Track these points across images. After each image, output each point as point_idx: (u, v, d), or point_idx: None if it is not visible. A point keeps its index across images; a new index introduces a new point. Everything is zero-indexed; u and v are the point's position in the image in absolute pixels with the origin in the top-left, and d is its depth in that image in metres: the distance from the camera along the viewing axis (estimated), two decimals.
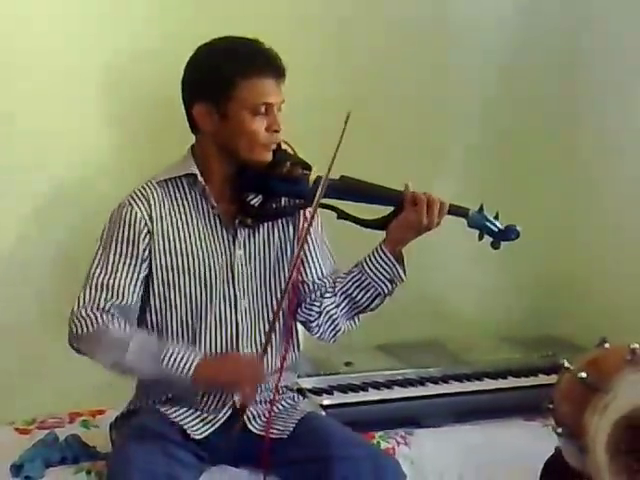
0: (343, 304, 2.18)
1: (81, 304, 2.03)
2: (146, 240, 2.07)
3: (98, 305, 2.03)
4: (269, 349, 2.06)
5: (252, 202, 2.12)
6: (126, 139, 2.51)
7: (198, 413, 2.08)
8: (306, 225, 2.03)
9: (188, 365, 1.97)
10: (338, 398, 2.38)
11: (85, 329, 2.01)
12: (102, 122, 2.49)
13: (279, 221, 2.15)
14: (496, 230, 2.08)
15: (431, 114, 2.78)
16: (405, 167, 2.59)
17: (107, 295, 2.03)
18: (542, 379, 2.51)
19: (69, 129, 2.44)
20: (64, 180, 2.47)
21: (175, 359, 1.97)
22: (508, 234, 2.09)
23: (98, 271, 2.05)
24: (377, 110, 2.65)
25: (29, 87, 2.40)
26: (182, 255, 2.08)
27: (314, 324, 2.19)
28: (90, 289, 2.04)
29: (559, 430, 1.68)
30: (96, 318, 2.01)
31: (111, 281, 2.04)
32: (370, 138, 2.52)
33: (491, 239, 2.09)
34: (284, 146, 2.12)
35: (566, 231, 2.84)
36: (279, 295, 2.12)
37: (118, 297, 2.04)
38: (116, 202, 2.12)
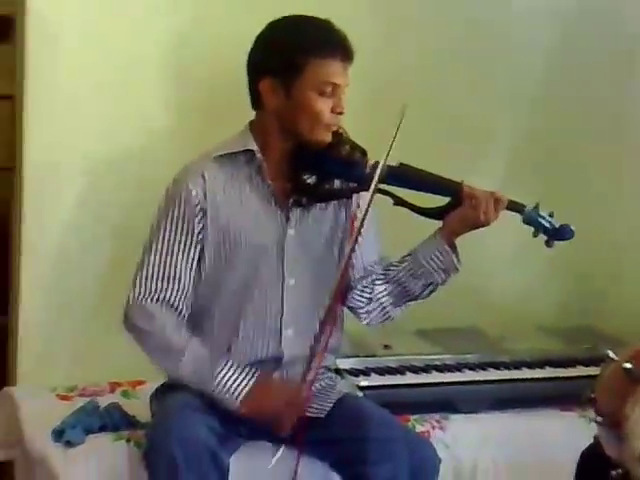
0: (395, 292, 2.18)
1: (138, 292, 2.06)
2: (200, 218, 2.07)
3: (157, 296, 2.05)
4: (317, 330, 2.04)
5: (307, 182, 2.12)
6: (183, 121, 2.54)
7: None
8: (364, 207, 2.01)
9: (236, 395, 2.00)
10: (375, 380, 2.39)
11: (144, 326, 2.05)
12: (160, 105, 2.52)
13: (332, 204, 2.15)
14: (551, 229, 2.09)
15: (481, 99, 2.78)
16: (456, 153, 2.62)
17: (165, 283, 2.05)
18: (581, 370, 2.51)
19: (130, 112, 2.48)
20: (122, 160, 2.51)
21: (226, 385, 2.00)
22: (563, 233, 2.10)
23: (154, 254, 2.07)
24: (428, 96, 2.66)
25: (95, 74, 2.45)
26: (234, 231, 2.09)
27: (363, 310, 2.20)
28: (147, 275, 2.06)
29: (599, 419, 1.69)
30: (154, 313, 2.04)
31: (168, 266, 2.05)
32: (421, 124, 2.52)
33: (545, 237, 2.10)
34: (341, 130, 2.11)
35: (610, 223, 2.84)
36: (326, 278, 2.12)
37: (176, 283, 2.06)
38: (172, 170, 2.12)
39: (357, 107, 2.22)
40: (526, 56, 2.82)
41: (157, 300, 2.05)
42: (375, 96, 2.58)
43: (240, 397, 2.01)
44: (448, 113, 2.71)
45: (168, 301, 2.06)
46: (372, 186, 1.99)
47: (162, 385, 2.19)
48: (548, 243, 2.11)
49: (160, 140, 2.52)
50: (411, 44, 2.67)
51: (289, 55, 2.03)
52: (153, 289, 2.05)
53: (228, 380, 2.01)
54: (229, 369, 2.03)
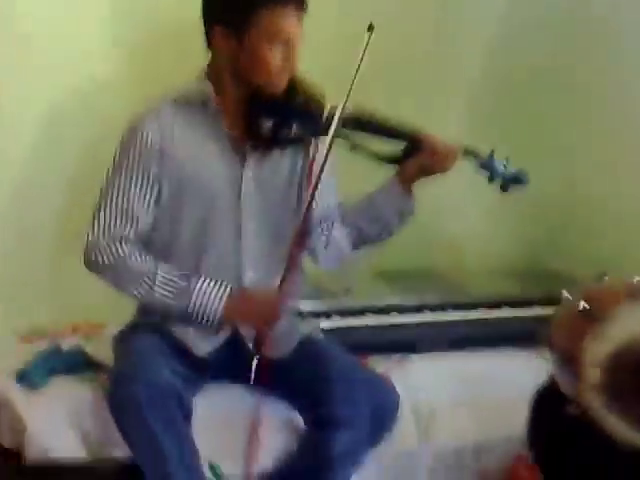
0: (351, 235, 2.20)
1: (97, 232, 2.06)
2: (157, 160, 2.07)
3: (116, 234, 2.06)
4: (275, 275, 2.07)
5: (264, 128, 2.11)
6: (136, 60, 2.50)
7: (200, 331, 2.10)
8: (324, 152, 2.02)
9: (217, 303, 2.02)
10: (336, 322, 2.42)
11: (106, 261, 2.05)
12: (112, 42, 2.48)
13: (289, 149, 2.15)
14: (506, 174, 2.12)
15: (435, 50, 2.78)
16: (411, 102, 2.59)
17: (123, 221, 2.06)
18: (538, 310, 2.55)
19: (79, 49, 2.44)
20: (70, 99, 2.47)
21: (205, 295, 2.02)
22: (517, 179, 2.12)
23: (111, 196, 2.07)
24: (384, 47, 2.64)
25: (45, 10, 2.40)
26: (191, 176, 2.09)
27: (320, 253, 2.21)
28: (105, 215, 2.06)
29: (555, 358, 1.74)
30: (116, 250, 2.05)
31: (125, 206, 2.06)
32: (376, 74, 2.51)
33: (501, 182, 2.13)
34: (301, 77, 2.10)
35: (567, 168, 2.85)
36: (285, 221, 2.14)
37: (134, 223, 2.07)
38: (126, 114, 2.11)
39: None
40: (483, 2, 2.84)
41: (114, 238, 2.06)
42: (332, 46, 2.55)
43: (222, 304, 2.03)
44: (403, 60, 2.70)
45: (126, 237, 2.07)
46: (331, 131, 1.99)
47: (125, 328, 2.20)
48: (503, 188, 2.13)
49: (112, 86, 2.48)
50: None
51: (239, 5, 2.01)
52: (111, 227, 2.06)
53: (206, 292, 2.03)
54: (204, 282, 2.05)
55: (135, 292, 2.06)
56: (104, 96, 2.48)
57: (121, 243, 2.05)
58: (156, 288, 2.04)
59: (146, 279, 2.04)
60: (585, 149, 2.82)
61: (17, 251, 2.49)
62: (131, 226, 2.07)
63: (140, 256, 2.06)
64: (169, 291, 2.04)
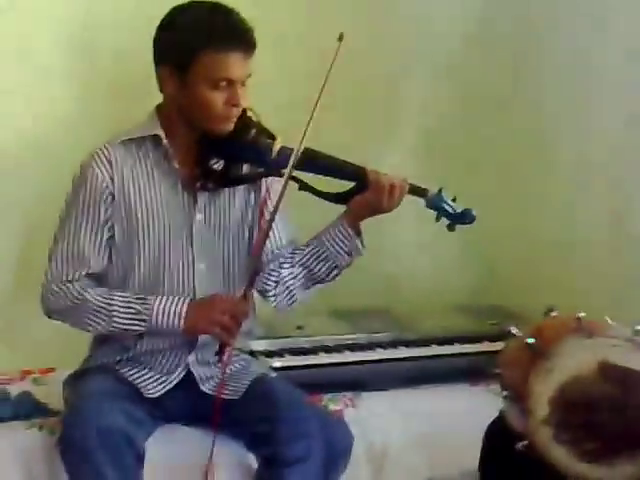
0: (300, 275, 2.19)
1: (51, 277, 2.07)
2: (108, 202, 2.07)
3: (67, 277, 2.06)
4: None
5: (214, 167, 2.12)
6: (87, 94, 2.51)
7: (152, 373, 2.11)
8: (278, 192, 2.02)
9: (178, 315, 2.02)
10: (289, 361, 2.42)
11: (62, 302, 2.06)
12: (62, 76, 2.50)
13: (240, 188, 2.15)
14: (453, 213, 2.11)
15: (384, 88, 2.82)
16: (360, 138, 2.63)
17: (75, 265, 2.06)
18: (488, 346, 2.57)
19: (27, 84, 2.45)
20: (23, 136, 2.48)
21: (165, 311, 2.02)
22: (464, 218, 2.11)
23: (63, 241, 2.07)
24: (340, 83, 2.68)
25: None
26: (142, 217, 2.09)
27: (271, 293, 2.21)
28: (57, 261, 2.07)
29: (504, 393, 1.75)
30: (69, 290, 2.05)
31: (76, 250, 2.06)
32: (330, 111, 2.54)
33: (448, 222, 2.12)
34: (250, 113, 2.10)
35: (513, 200, 2.89)
36: (236, 261, 2.14)
37: (86, 266, 2.07)
38: (78, 156, 2.10)
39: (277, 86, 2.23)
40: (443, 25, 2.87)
41: (67, 281, 2.07)
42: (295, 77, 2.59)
43: (182, 315, 2.02)
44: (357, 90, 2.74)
45: (78, 281, 2.07)
46: (287, 172, 2.00)
47: (75, 372, 2.18)
48: (450, 227, 2.13)
49: (64, 126, 2.49)
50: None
51: (181, 46, 2.00)
52: (64, 272, 2.06)
53: (165, 307, 2.03)
54: (161, 300, 2.05)
55: (95, 324, 2.05)
56: (57, 137, 2.48)
57: (72, 283, 2.06)
58: (114, 315, 2.04)
59: (103, 309, 2.04)
60: (539, 191, 2.85)
61: None
62: (82, 269, 2.07)
63: (93, 289, 2.06)
64: (128, 316, 2.04)
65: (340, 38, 1.96)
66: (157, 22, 2.06)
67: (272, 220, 2.03)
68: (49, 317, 2.11)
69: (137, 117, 2.15)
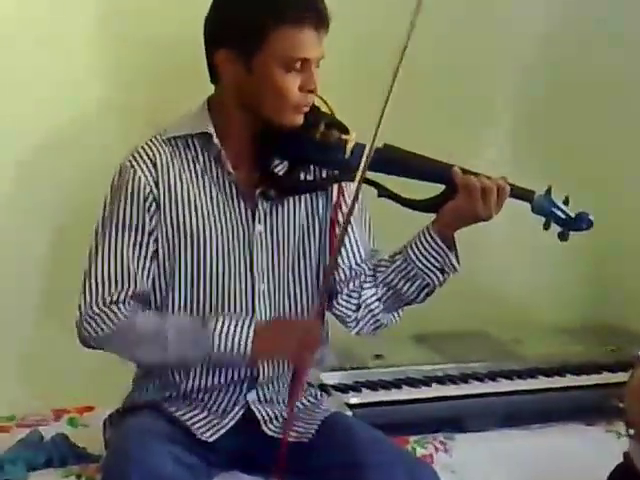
0: (386, 296, 2.13)
1: (89, 299, 2.02)
2: (152, 210, 2.03)
3: (111, 299, 2.01)
4: None
5: (277, 170, 2.06)
6: (125, 91, 2.51)
7: (206, 413, 2.06)
8: (349, 202, 1.97)
9: (243, 344, 1.97)
10: (367, 396, 2.38)
11: (106, 329, 2.00)
12: (95, 70, 2.50)
13: (306, 194, 2.10)
14: (565, 218, 2.04)
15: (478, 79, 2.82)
16: (450, 135, 2.62)
17: (119, 284, 2.01)
18: (605, 377, 2.51)
19: (60, 80, 2.46)
20: (54, 135, 2.49)
21: (228, 338, 1.97)
22: (580, 223, 2.04)
23: (103, 256, 2.02)
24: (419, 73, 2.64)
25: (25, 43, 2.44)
26: (192, 230, 2.03)
27: (351, 318, 2.15)
28: (97, 280, 2.02)
29: (630, 432, 1.68)
30: (114, 313, 2.00)
31: (120, 266, 2.01)
32: (411, 103, 2.49)
33: (559, 228, 2.04)
34: (318, 103, 2.05)
35: (630, 213, 2.85)
36: (302, 281, 2.10)
37: (130, 285, 2.02)
38: (115, 154, 2.07)
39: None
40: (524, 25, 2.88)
41: (111, 302, 2.01)
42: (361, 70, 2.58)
43: (249, 339, 1.97)
44: (441, 87, 2.73)
45: (123, 302, 2.01)
46: (358, 176, 1.92)
47: (117, 410, 2.14)
48: (562, 235, 2.04)
49: (98, 114, 2.48)
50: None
51: (248, 23, 1.96)
52: (105, 292, 2.01)
53: (228, 330, 1.97)
54: (223, 323, 1.99)
55: (145, 354, 2.01)
56: (93, 129, 2.48)
57: (118, 305, 2.00)
58: (168, 343, 1.98)
59: (155, 335, 1.99)
60: None
61: None
62: (128, 287, 2.02)
63: (144, 314, 2.01)
64: (185, 344, 1.99)
65: (393, 78, 1.89)
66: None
67: (346, 229, 1.98)
68: (86, 346, 2.05)
69: (178, 108, 2.10)
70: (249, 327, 1.97)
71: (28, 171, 2.47)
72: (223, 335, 1.97)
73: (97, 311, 2.00)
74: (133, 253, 2.02)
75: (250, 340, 1.96)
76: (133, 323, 1.99)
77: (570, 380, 2.51)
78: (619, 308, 2.86)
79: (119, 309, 2.00)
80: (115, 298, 2.00)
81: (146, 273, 2.03)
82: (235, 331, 1.97)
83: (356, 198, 1.95)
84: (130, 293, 2.01)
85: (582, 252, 2.79)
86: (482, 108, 2.85)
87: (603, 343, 2.67)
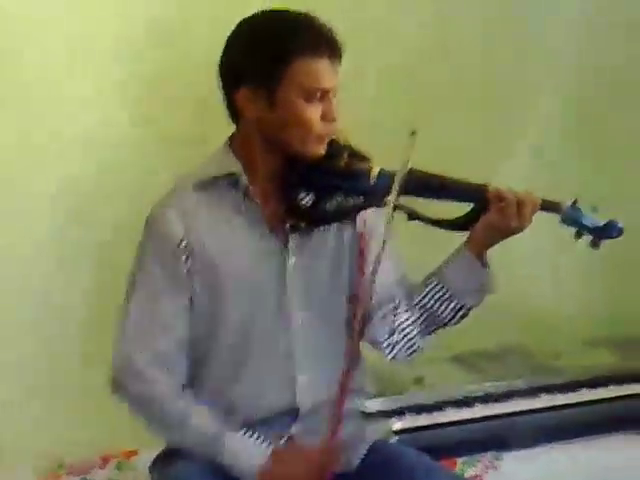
0: (421, 319, 2.10)
1: (125, 347, 2.00)
2: (185, 257, 2.00)
3: (148, 348, 1.99)
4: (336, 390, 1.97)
5: (304, 202, 2.04)
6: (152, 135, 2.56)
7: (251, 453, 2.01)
8: (370, 229, 1.97)
9: (252, 466, 1.96)
10: (410, 421, 2.37)
11: (136, 387, 1.99)
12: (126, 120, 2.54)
13: (335, 223, 2.08)
14: (595, 227, 2.01)
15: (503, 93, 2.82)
16: (475, 155, 2.59)
17: (154, 334, 1.99)
18: None
19: (89, 128, 2.50)
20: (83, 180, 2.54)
21: (237, 456, 1.96)
22: (610, 231, 2.00)
23: (138, 304, 2.01)
24: (443, 91, 2.67)
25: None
26: (226, 270, 2.01)
27: (386, 344, 2.11)
28: (133, 327, 2.00)
29: None
30: (148, 374, 1.99)
31: (155, 315, 2.00)
32: (434, 123, 2.50)
33: (590, 237, 2.01)
34: (337, 135, 2.03)
35: None
36: (336, 310, 2.07)
37: (167, 333, 1.99)
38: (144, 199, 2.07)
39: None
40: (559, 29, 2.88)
41: (149, 354, 1.98)
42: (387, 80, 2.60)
43: (254, 469, 1.95)
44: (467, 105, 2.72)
45: (163, 355, 1.99)
46: (392, 199, 1.91)
47: (163, 453, 2.10)
48: (594, 244, 2.01)
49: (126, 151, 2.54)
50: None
51: (268, 58, 1.95)
52: (142, 341, 1.98)
53: (238, 452, 1.96)
54: (238, 440, 1.97)
55: (162, 433, 2.01)
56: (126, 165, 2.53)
57: (156, 365, 1.98)
58: (187, 437, 1.98)
59: (177, 425, 1.98)
60: None
61: (32, 383, 2.50)
62: (165, 338, 1.99)
63: (177, 392, 1.99)
64: (200, 443, 1.97)
65: (413, 133, 1.90)
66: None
67: (379, 259, 1.94)
68: (114, 393, 2.02)
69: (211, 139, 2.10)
70: (263, 452, 1.97)
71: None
72: (233, 454, 1.97)
73: (136, 363, 1.99)
74: (170, 300, 2.00)
75: (259, 464, 1.95)
76: (163, 399, 1.99)
77: (613, 390, 2.49)
78: None
79: (157, 370, 1.99)
80: (154, 349, 1.99)
81: (185, 321, 2.01)
82: (243, 456, 1.96)
83: (389, 225, 1.92)
84: (170, 344, 1.99)
85: (613, 264, 2.77)
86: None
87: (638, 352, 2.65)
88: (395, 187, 1.93)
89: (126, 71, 2.57)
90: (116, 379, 2.00)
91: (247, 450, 1.97)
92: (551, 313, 2.86)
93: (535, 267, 2.86)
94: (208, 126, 2.16)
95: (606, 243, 2.03)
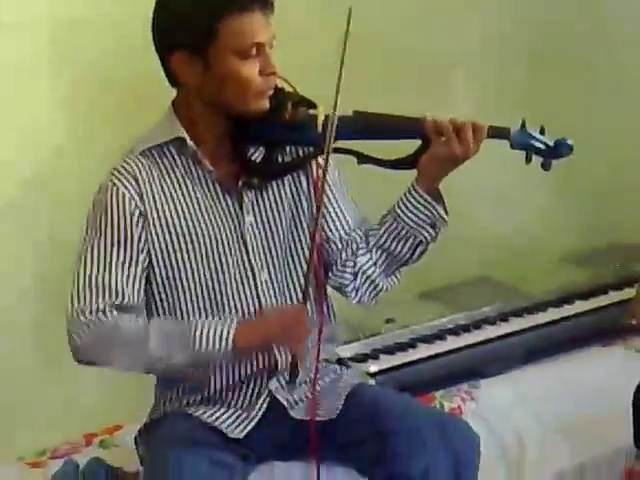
0: (381, 260, 2.12)
1: (76, 308, 1.99)
2: (140, 224, 2.01)
3: (98, 307, 1.99)
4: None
5: (254, 158, 2.05)
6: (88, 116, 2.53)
7: (232, 410, 2.06)
8: (321, 174, 1.97)
9: (225, 338, 1.95)
10: (385, 362, 2.38)
11: (90, 335, 1.98)
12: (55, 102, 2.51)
13: (288, 175, 2.09)
14: (545, 148, 2.02)
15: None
16: (418, 87, 2.62)
17: (105, 295, 1.99)
18: (615, 295, 2.55)
19: (21, 110, 2.46)
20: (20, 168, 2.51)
21: (208, 336, 1.96)
22: (560, 150, 2.01)
23: (90, 268, 2.00)
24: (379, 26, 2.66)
25: None
26: (184, 234, 2.03)
27: (350, 288, 2.13)
28: (84, 290, 1.99)
29: None
30: (99, 319, 1.98)
31: (107, 279, 1.99)
32: (375, 61, 2.50)
33: (541, 159, 2.02)
34: (281, 84, 2.04)
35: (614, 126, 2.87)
36: (303, 260, 2.09)
37: (118, 296, 2.00)
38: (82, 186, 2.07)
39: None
40: None
41: (97, 310, 1.99)
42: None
43: (229, 341, 1.96)
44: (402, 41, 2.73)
45: (110, 308, 2.00)
46: (326, 147, 1.93)
47: (145, 425, 2.13)
48: (545, 165, 2.02)
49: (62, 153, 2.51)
50: None
51: (196, 19, 1.95)
52: (93, 301, 1.99)
53: (209, 331, 1.97)
54: (202, 322, 1.99)
55: (132, 358, 1.99)
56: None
57: (105, 313, 1.99)
58: (152, 343, 1.97)
59: (139, 338, 1.97)
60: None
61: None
62: (115, 299, 2.00)
63: (129, 319, 1.99)
64: (168, 343, 1.98)
65: (349, 16, 1.91)
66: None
67: (321, 202, 1.97)
68: (78, 360, 2.02)
69: (144, 122, 2.09)
70: (230, 325, 1.96)
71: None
72: (205, 330, 1.96)
73: (83, 320, 1.98)
74: (122, 268, 2.00)
75: (232, 333, 1.95)
76: (117, 327, 1.97)
77: (579, 306, 2.52)
78: (613, 226, 2.85)
79: (104, 316, 1.98)
80: (101, 307, 1.98)
81: (137, 289, 2.02)
82: (217, 327, 1.96)
83: (326, 168, 1.94)
84: (116, 303, 1.99)
85: (572, 177, 2.78)
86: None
87: (604, 263, 2.67)
88: (329, 126, 1.93)
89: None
90: (72, 342, 2.01)
91: (215, 327, 1.98)
92: (513, 237, 2.89)
93: (494, 193, 2.88)
94: None
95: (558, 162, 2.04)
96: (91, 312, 1.99)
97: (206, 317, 2.05)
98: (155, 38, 2.02)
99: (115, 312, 2.00)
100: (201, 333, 1.96)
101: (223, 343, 1.96)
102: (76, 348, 2.00)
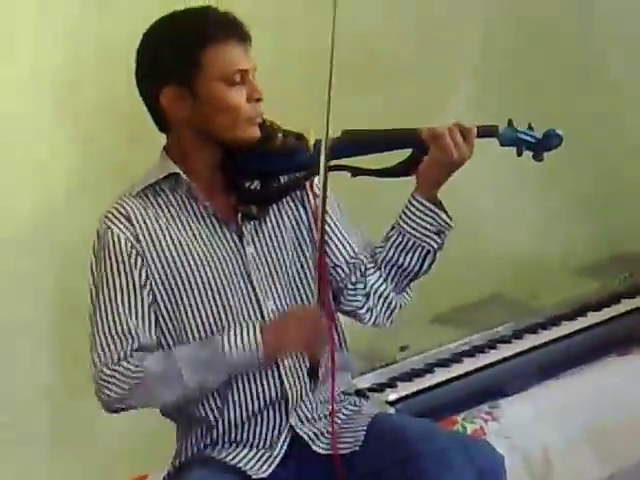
0: (391, 275, 2.12)
1: (99, 367, 2.03)
2: (139, 264, 2.04)
3: (118, 357, 2.02)
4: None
5: (251, 188, 2.07)
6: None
7: (255, 450, 2.06)
8: (319, 199, 1.98)
9: (253, 344, 1.99)
10: (404, 389, 2.38)
11: (120, 384, 2.01)
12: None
13: (286, 204, 2.11)
14: (534, 140, 2.03)
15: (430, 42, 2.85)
16: (410, 107, 2.62)
17: (122, 343, 2.02)
18: (627, 304, 2.58)
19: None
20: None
21: (237, 345, 1.99)
22: (550, 141, 2.02)
23: (101, 325, 2.04)
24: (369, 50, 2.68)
25: None
26: (184, 269, 2.04)
27: (364, 309, 2.13)
28: (101, 346, 2.03)
29: None
30: (123, 367, 2.01)
31: (119, 328, 2.02)
32: (365, 83, 2.51)
33: (531, 152, 2.03)
34: (267, 121, 2.07)
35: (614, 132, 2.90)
36: (308, 288, 2.10)
37: (134, 340, 2.02)
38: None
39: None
40: None
41: (119, 359, 2.02)
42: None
43: (259, 342, 1.99)
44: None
45: (130, 355, 2.03)
46: (322, 169, 1.95)
47: (169, 473, 2.13)
48: (536, 157, 2.03)
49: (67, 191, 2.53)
50: None
51: (179, 51, 2.01)
52: (112, 353, 2.02)
53: (236, 340, 2.00)
54: (229, 334, 2.01)
55: (166, 394, 2.02)
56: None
57: (127, 360, 2.02)
58: (186, 376, 1.99)
59: (169, 372, 2.00)
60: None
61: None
62: (132, 344, 2.02)
63: (152, 358, 2.02)
64: (199, 366, 2.00)
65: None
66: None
67: (322, 227, 1.99)
68: (111, 411, 2.04)
69: (142, 164, 2.12)
70: (254, 327, 1.99)
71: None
72: (232, 341, 1.99)
73: (109, 373, 2.01)
74: (131, 311, 2.03)
75: (259, 336, 1.98)
76: (143, 368, 2.00)
77: (593, 318, 2.53)
78: (622, 236, 2.87)
79: (128, 362, 2.01)
80: (122, 355, 2.01)
81: (147, 327, 2.04)
82: (242, 334, 1.99)
83: (325, 186, 1.97)
84: (135, 347, 2.02)
85: (575, 191, 2.83)
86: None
87: (615, 273, 2.67)
88: (323, 149, 1.96)
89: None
90: (102, 396, 2.04)
91: (240, 335, 2.01)
92: (521, 253, 2.89)
93: (500, 209, 2.90)
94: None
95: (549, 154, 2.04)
96: (113, 363, 2.02)
97: None
98: (141, 83, 2.06)
99: (135, 355, 2.02)
100: (229, 346, 1.99)
101: (254, 349, 1.99)
102: (108, 402, 2.03)
